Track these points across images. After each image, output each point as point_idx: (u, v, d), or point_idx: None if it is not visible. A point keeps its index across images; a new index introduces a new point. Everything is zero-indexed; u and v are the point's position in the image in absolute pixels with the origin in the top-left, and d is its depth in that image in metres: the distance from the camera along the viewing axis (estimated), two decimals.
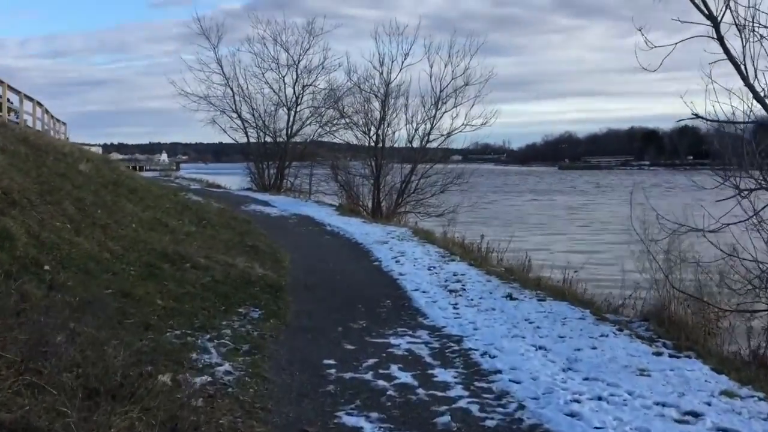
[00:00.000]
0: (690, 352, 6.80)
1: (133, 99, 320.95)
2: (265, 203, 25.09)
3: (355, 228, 16.74)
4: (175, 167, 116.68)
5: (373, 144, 23.91)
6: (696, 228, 7.83)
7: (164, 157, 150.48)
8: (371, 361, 6.23)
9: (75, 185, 11.56)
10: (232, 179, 42.41)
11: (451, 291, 9.54)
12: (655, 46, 7.85)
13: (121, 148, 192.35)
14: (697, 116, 7.74)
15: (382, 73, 23.61)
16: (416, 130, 23.38)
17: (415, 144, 23.65)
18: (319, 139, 33.80)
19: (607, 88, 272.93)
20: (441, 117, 23.39)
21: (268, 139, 35.14)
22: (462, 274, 10.66)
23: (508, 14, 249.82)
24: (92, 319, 5.78)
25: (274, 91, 34.29)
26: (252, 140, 35.46)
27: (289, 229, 17.05)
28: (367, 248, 13.65)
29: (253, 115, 34.87)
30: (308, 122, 34.08)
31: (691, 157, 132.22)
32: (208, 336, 6.56)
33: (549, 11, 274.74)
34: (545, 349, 6.45)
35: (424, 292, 9.54)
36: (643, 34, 7.77)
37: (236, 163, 54.95)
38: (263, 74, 34.02)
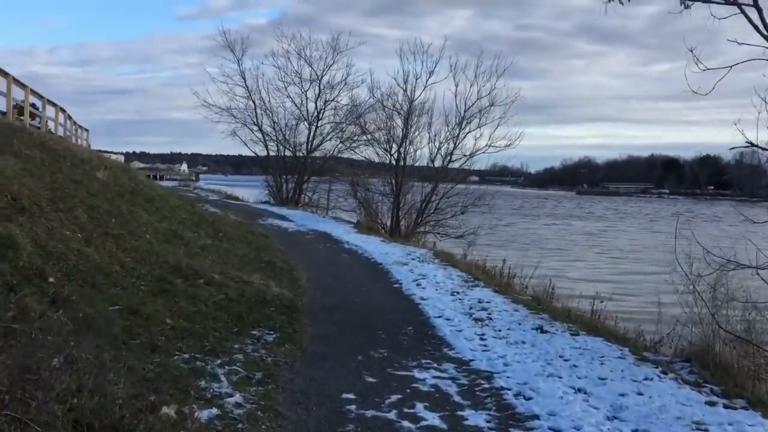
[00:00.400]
0: (740, 400, 6.20)
1: (156, 109, 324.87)
2: (283, 217, 24.69)
3: (374, 247, 16.23)
4: (194, 178, 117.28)
5: (394, 161, 23.45)
6: (748, 265, 7.20)
7: (184, 167, 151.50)
8: (394, 398, 5.68)
9: (90, 193, 11.17)
10: (251, 191, 42.21)
11: (476, 320, 8.96)
12: (708, 69, 7.29)
13: (143, 156, 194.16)
14: (753, 145, 7.13)
15: (405, 90, 23.25)
16: (439, 149, 22.95)
17: (437, 163, 23.18)
18: (338, 155, 33.47)
19: (628, 114, 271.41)
20: (464, 137, 22.94)
21: (288, 153, 34.88)
22: (487, 302, 10.08)
23: (530, 38, 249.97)
24: (94, 339, 5.30)
25: (296, 105, 34.09)
26: (272, 153, 35.20)
27: (306, 246, 16.57)
28: (387, 269, 13.11)
29: (274, 129, 34.66)
30: (329, 137, 33.79)
31: (712, 187, 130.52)
32: (219, 361, 6.05)
33: (572, 36, 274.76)
34: (585, 393, 5.86)
35: (447, 319, 8.97)
36: (694, 56, 7.21)
37: (255, 176, 54.86)
38: (286, 88, 33.85)
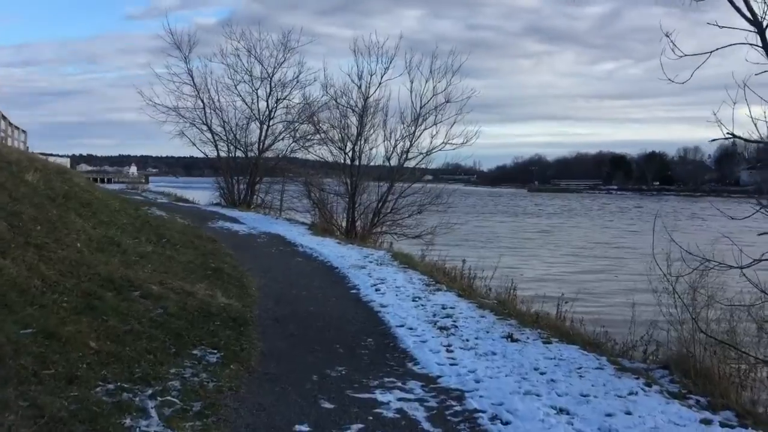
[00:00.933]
0: (727, 412, 5.68)
1: (103, 110, 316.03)
2: (234, 220, 23.62)
3: (330, 249, 15.43)
4: (144, 180, 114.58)
5: (348, 161, 22.63)
6: (731, 265, 6.69)
7: (133, 169, 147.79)
8: (355, 428, 4.93)
9: (14, 197, 10.09)
10: (202, 194, 40.86)
11: (441, 329, 8.28)
12: (685, 54, 6.75)
13: (90, 159, 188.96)
14: (734, 136, 6.62)
15: (360, 87, 22.41)
16: (395, 147, 22.20)
17: (393, 162, 22.45)
18: (292, 154, 32.45)
19: (575, 113, 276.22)
20: (420, 134, 22.26)
21: (239, 154, 33.71)
22: (451, 307, 9.42)
23: (480, 38, 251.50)
24: None
25: (246, 104, 32.88)
26: (222, 154, 33.95)
27: (258, 250, 15.65)
28: (344, 273, 12.34)
29: (224, 128, 33.37)
30: (281, 137, 32.74)
31: (657, 183, 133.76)
32: (151, 390, 5.20)
33: (520, 36, 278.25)
34: (569, 413, 5.23)
35: (410, 329, 8.27)
36: (671, 41, 6.65)
37: (207, 178, 53.27)
38: (236, 86, 32.61)
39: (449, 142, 22.17)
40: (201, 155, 35.14)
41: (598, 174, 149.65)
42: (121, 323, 6.57)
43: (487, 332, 8.09)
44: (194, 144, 33.61)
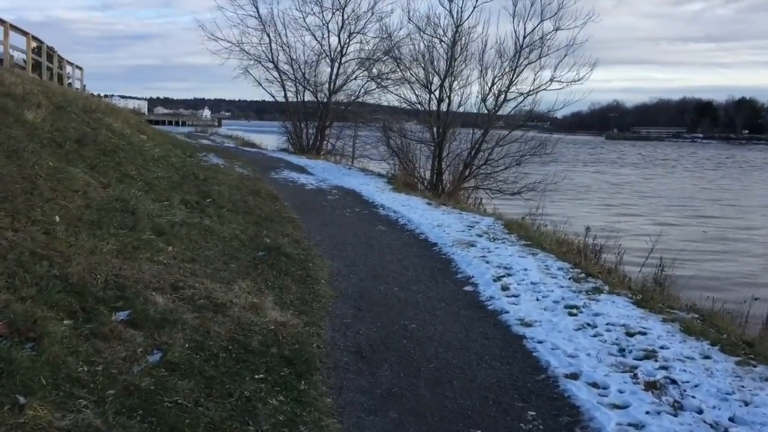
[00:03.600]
0: None
1: (179, 54, 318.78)
2: (301, 169, 20.26)
3: (420, 214, 11.77)
4: (216, 123, 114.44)
5: (435, 102, 18.65)
6: None
7: (207, 113, 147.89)
8: None
9: None
10: (271, 138, 37.82)
11: (651, 387, 4.56)
12: None
13: (167, 102, 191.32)
14: None
15: (450, 12, 18.21)
16: (492, 85, 18.05)
17: (489, 104, 18.34)
18: (366, 96, 28.64)
19: (658, 57, 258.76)
20: (522, 71, 18.01)
21: (308, 95, 30.17)
22: (641, 333, 5.63)
23: None
24: None
25: (316, 40, 29.16)
26: (290, 95, 30.48)
27: (328, 212, 12.16)
28: (447, 254, 8.69)
29: (292, 67, 29.84)
30: (354, 76, 28.94)
31: (747, 131, 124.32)
32: None
33: None
34: None
35: (593, 384, 4.59)
36: None
37: (277, 122, 50.63)
38: (304, 19, 28.87)
39: (557, 79, 17.86)
40: (272, 99, 31.70)
41: (681, 121, 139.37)
42: (60, 408, 3.15)
43: (746, 404, 4.31)
44: (260, 84, 30.26)
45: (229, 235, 8.03)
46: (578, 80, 17.84)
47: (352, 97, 29.11)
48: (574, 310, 6.25)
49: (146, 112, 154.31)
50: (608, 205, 26.82)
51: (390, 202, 13.21)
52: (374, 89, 26.94)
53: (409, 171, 18.32)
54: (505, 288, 6.99)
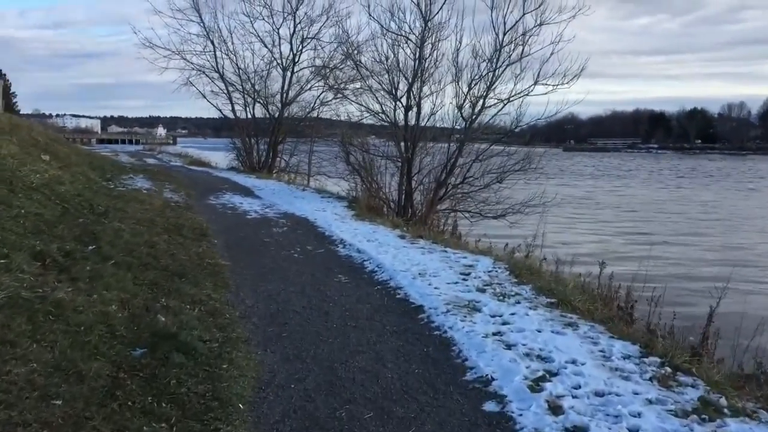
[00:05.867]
0: None
1: (133, 72, 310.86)
2: (247, 192, 17.12)
3: (392, 254, 8.73)
4: (171, 141, 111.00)
5: (402, 110, 15.68)
6: None
7: (161, 131, 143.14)
8: None
9: None
10: (224, 156, 34.49)
11: None
12: None
13: (121, 121, 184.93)
14: None
15: (418, 4, 15.30)
16: (468, 90, 15.17)
17: (465, 112, 15.43)
18: (321, 109, 25.55)
19: (609, 70, 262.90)
20: (503, 71, 15.20)
21: (259, 108, 26.97)
22: None
23: None
24: None
25: (266, 47, 26.04)
26: (238, 108, 27.24)
27: (271, 253, 9.03)
28: (441, 329, 5.62)
29: (240, 77, 26.64)
30: (308, 87, 25.87)
31: (699, 141, 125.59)
32: None
33: None
34: None
35: None
36: None
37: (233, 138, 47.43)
38: (252, 24, 25.77)
39: (542, 81, 15.11)
40: (231, 115, 28.07)
41: (635, 132, 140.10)
42: None
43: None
44: (204, 96, 26.91)
45: (94, 315, 4.85)
46: (565, 83, 15.16)
47: (307, 109, 26.04)
48: None
49: (99, 131, 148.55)
50: (595, 221, 24.32)
51: (352, 236, 10.15)
52: (331, 100, 23.90)
53: (373, 192, 15.29)
54: (555, 409, 4.01)
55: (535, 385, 4.36)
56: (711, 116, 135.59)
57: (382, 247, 9.15)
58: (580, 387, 4.34)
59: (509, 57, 15.11)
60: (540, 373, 4.55)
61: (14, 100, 73.77)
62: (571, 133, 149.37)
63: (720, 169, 67.73)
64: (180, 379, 4.14)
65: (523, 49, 15.08)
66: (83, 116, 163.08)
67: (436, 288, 6.83)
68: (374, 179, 15.52)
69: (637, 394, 4.23)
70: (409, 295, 6.68)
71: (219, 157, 35.31)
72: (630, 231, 22.22)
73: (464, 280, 7.26)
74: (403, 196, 15.45)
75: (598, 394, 4.24)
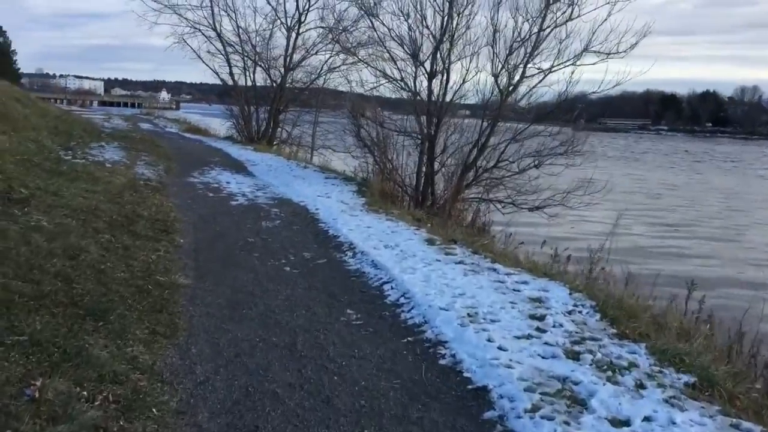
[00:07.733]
0: None
1: (139, 35, 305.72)
2: (239, 167, 14.57)
3: (423, 273, 6.16)
4: (175, 106, 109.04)
5: (425, 77, 12.96)
6: None
7: (164, 95, 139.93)
8: None
9: None
10: (220, 123, 31.82)
11: None
12: None
13: (125, 84, 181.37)
14: None
15: None
16: (506, 59, 12.44)
17: (502, 82, 12.72)
18: (328, 76, 22.79)
19: (621, 48, 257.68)
20: (547, 35, 12.51)
21: (259, 72, 24.22)
22: None
23: None
24: None
25: (269, 3, 23.20)
26: (236, 72, 24.48)
27: (252, 265, 6.48)
28: None
29: (239, 37, 23.82)
30: (315, 50, 23.05)
31: (710, 124, 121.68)
32: None
33: None
34: None
35: None
36: None
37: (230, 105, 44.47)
38: None
39: (592, 48, 12.53)
40: (229, 80, 25.22)
41: (645, 113, 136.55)
42: None
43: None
44: (199, 57, 24.12)
45: None
46: (621, 52, 12.60)
47: (313, 75, 23.25)
48: None
49: (102, 93, 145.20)
50: (631, 214, 21.65)
51: (365, 238, 7.61)
52: (340, 66, 21.15)
53: (387, 174, 12.68)
54: None
55: None
56: (723, 99, 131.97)
57: (407, 260, 6.60)
58: None
59: (556, 17, 12.44)
60: None
61: (14, 58, 70.82)
62: (581, 113, 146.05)
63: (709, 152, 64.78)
64: None
65: (572, 10, 12.44)
66: (87, 77, 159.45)
67: (500, 348, 4.30)
68: (389, 159, 12.89)
69: None
70: (460, 362, 4.14)
71: (218, 124, 32.71)
72: (690, 233, 19.61)
73: (539, 330, 4.72)
74: (422, 180, 12.84)
75: None
